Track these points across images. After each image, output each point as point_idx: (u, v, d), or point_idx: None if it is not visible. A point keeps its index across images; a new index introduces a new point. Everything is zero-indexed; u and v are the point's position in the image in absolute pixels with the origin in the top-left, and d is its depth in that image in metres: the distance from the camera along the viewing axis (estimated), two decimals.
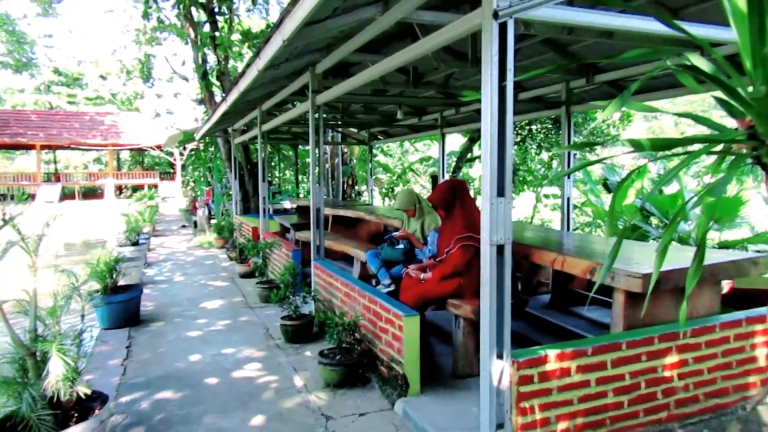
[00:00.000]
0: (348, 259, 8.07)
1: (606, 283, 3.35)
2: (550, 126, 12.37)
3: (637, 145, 1.31)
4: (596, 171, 18.06)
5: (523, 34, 4.88)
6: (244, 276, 8.38)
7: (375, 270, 5.02)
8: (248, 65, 4.78)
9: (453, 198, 4.18)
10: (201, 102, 18.26)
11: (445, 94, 8.81)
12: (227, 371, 4.50)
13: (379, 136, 13.78)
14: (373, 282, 6.67)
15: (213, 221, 16.04)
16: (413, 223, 5.11)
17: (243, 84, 5.46)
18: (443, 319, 4.94)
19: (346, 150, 18.21)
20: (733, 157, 1.24)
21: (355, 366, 4.03)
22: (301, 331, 5.10)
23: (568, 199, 7.06)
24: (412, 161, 21.96)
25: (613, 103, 1.46)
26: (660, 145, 1.41)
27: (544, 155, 16.09)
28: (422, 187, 23.09)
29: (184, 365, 4.67)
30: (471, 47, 5.52)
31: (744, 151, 1.21)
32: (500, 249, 2.66)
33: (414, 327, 3.65)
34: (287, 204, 16.33)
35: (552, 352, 2.83)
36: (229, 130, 12.73)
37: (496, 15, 2.50)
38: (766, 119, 1.10)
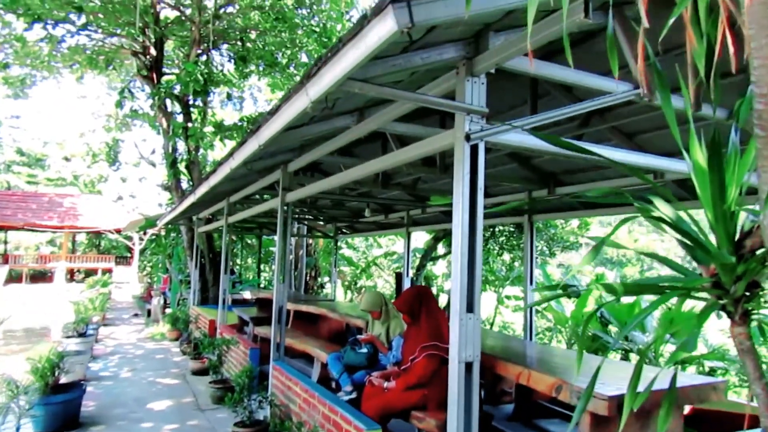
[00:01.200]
0: (309, 358, 7.80)
1: (570, 402, 3.30)
2: (512, 228, 12.73)
3: (610, 290, 1.34)
4: (556, 275, 18.44)
5: (489, 148, 5.13)
6: (197, 373, 7.95)
7: (336, 375, 4.84)
8: (220, 164, 4.83)
9: (419, 305, 4.15)
10: (167, 189, 18.21)
11: (413, 195, 9.04)
12: None
13: (344, 231, 13.87)
14: (333, 384, 6.43)
15: (168, 310, 15.46)
16: (378, 327, 5.02)
17: (213, 180, 5.49)
18: (406, 430, 4.74)
19: (310, 242, 18.21)
20: (700, 303, 1.28)
21: None
22: None
23: (531, 307, 7.11)
24: (376, 255, 22.03)
25: (586, 257, 1.51)
26: (632, 290, 1.45)
27: (506, 256, 16.43)
28: (385, 282, 23.03)
29: None
30: (440, 156, 5.75)
31: (709, 298, 1.25)
32: (468, 366, 2.61)
33: None
34: (247, 294, 15.96)
35: None
36: (194, 218, 12.62)
37: (468, 138, 2.63)
38: (729, 271, 1.15)
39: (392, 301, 4.24)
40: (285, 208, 5.79)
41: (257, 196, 8.96)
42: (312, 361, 7.42)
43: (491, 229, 14.06)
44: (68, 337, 8.99)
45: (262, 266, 21.88)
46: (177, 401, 6.59)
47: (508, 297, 17.04)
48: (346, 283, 23.04)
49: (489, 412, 4.31)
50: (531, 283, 7.08)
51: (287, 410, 4.99)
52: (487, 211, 7.00)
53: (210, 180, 5.60)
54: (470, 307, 2.64)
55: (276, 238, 5.77)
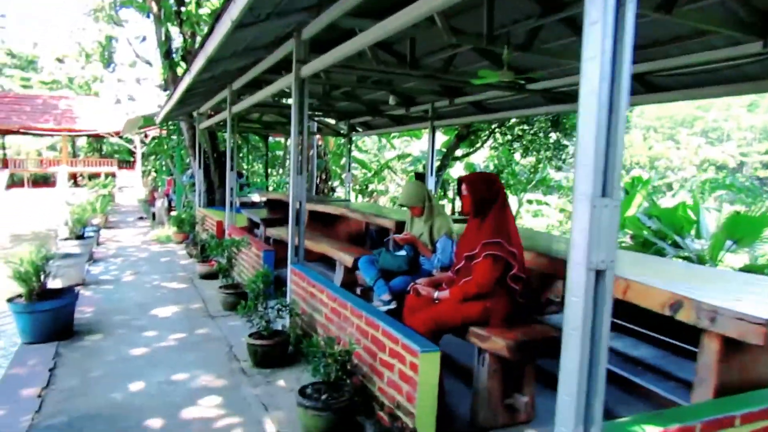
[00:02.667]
0: (326, 262, 7.11)
1: (690, 323, 2.50)
2: (541, 127, 11.60)
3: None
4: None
5: None
6: (206, 277, 7.30)
7: (371, 281, 4.06)
8: (218, 17, 3.77)
9: (495, 195, 3.26)
10: (165, 87, 16.88)
11: (441, 84, 7.93)
12: (177, 408, 3.47)
13: (358, 128, 12.81)
14: (358, 291, 5.73)
15: (173, 213, 14.80)
16: (419, 225, 4.17)
17: (211, 46, 4.43)
18: (454, 346, 4.02)
19: (320, 142, 17.20)
20: None
21: (346, 411, 3.06)
22: (273, 353, 4.11)
23: None
24: (389, 158, 21.04)
25: None
26: None
27: (526, 160, 15.43)
28: (398, 186, 22.20)
29: (121, 397, 3.62)
30: (487, 19, 4.62)
31: None
32: (599, 275, 1.75)
33: (433, 368, 2.72)
34: (256, 197, 15.22)
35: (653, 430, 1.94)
36: (194, 114, 11.56)
37: None
38: None
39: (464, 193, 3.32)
40: (300, 85, 4.77)
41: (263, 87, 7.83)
42: (330, 267, 6.73)
43: (519, 127, 12.94)
44: (65, 239, 8.30)
45: (269, 170, 21.02)
46: (184, 307, 5.95)
47: (530, 201, 16.28)
48: (357, 187, 22.26)
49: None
50: None
51: (311, 321, 4.27)
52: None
53: (207, 47, 4.54)
54: (606, 190, 1.73)
55: (292, 121, 4.81)
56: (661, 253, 6.61)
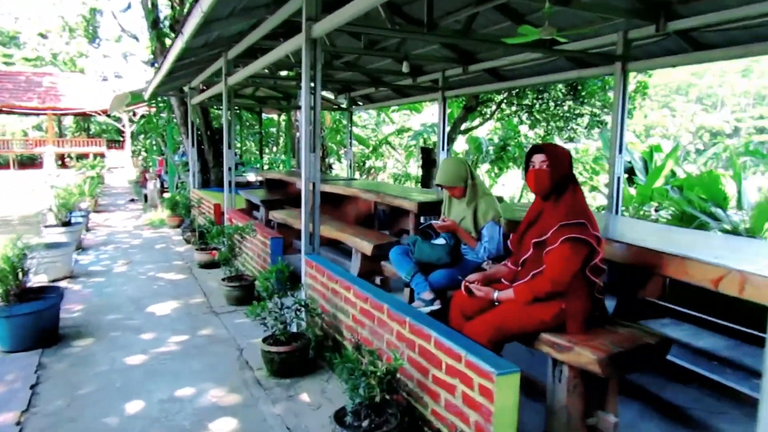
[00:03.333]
0: (335, 245, 6.53)
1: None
2: (556, 94, 10.91)
3: None
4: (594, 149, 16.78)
5: None
6: (205, 266, 6.68)
7: (407, 276, 3.47)
8: None
9: (571, 173, 2.65)
10: (153, 62, 15.95)
11: (458, 47, 7.27)
12: None
13: (359, 102, 12.09)
14: (377, 280, 5.15)
15: (166, 195, 14.11)
16: (459, 209, 3.55)
17: (206, 3, 3.74)
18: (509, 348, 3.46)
19: None
20: None
21: None
22: (292, 361, 3.53)
23: (619, 178, 5.66)
24: (387, 133, 20.31)
25: None
26: None
27: (533, 132, 14.78)
28: (397, 161, 21.53)
29: (117, 423, 3.04)
30: None
31: None
32: None
33: (512, 393, 2.14)
34: (251, 176, 14.54)
35: None
36: (185, 89, 10.81)
37: None
38: None
39: (542, 154, 2.66)
40: (312, 46, 4.10)
41: (258, 57, 7.11)
42: (342, 251, 6.15)
43: (522, 100, 12.25)
44: (50, 226, 7.65)
45: (263, 148, 20.26)
46: (184, 302, 5.35)
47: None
48: (355, 163, 21.56)
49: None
50: (620, 151, 5.58)
51: (334, 322, 3.69)
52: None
53: (202, 2, 3.84)
54: None
55: (302, 92, 4.18)
56: (704, 227, 6.05)
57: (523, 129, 15.05)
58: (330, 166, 19.44)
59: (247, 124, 19.31)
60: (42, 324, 4.13)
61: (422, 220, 5.25)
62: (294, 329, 3.72)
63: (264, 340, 3.60)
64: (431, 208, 5.15)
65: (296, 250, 6.71)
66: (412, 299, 3.65)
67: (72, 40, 36.70)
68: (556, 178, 2.60)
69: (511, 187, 17.49)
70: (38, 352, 4.04)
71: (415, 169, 21.12)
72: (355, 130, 21.08)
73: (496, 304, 2.71)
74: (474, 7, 5.55)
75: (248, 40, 6.01)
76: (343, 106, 12.04)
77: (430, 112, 18.79)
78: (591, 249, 2.50)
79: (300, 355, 3.53)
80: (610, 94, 9.92)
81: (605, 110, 10.30)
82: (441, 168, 3.52)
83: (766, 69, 41.40)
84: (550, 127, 13.03)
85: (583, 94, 9.48)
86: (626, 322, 2.72)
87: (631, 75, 10.01)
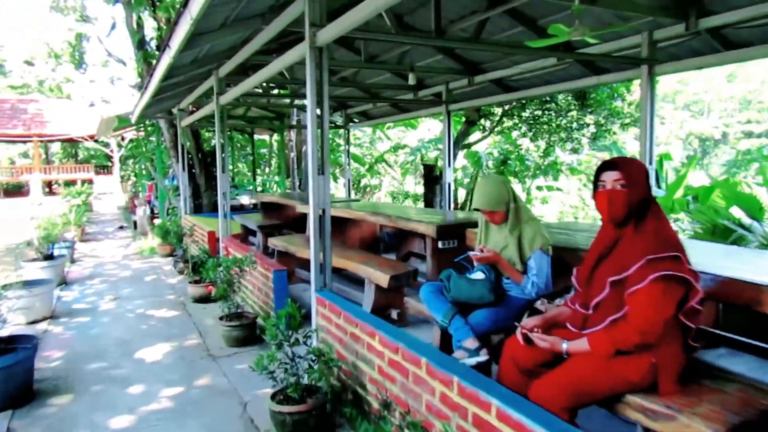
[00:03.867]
0: (338, 272, 6.00)
1: None
2: (560, 105, 10.50)
3: None
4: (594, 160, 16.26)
5: None
6: (200, 300, 6.13)
7: (443, 320, 2.93)
8: None
9: (650, 196, 2.17)
10: (141, 86, 15.47)
11: (459, 59, 6.87)
12: None
13: (355, 119, 11.64)
14: (393, 315, 4.63)
15: (157, 221, 13.55)
16: (500, 236, 3.03)
17: (196, 5, 3.26)
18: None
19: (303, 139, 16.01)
20: None
21: None
22: (308, 422, 2.98)
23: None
24: (382, 151, 19.87)
25: None
26: None
27: (532, 144, 14.39)
28: (393, 179, 21.09)
29: None
30: None
31: None
32: None
33: None
34: (244, 199, 14.03)
35: None
36: (174, 111, 10.33)
37: None
38: None
39: (616, 172, 2.16)
40: (317, 56, 3.63)
41: (250, 74, 6.64)
42: (347, 279, 5.62)
43: (522, 111, 11.86)
44: (30, 260, 7.07)
45: (256, 170, 19.73)
46: (178, 344, 4.79)
47: (539, 188, 15.26)
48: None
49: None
50: (650, 162, 5.12)
51: (355, 373, 3.15)
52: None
53: (191, 6, 3.36)
54: None
55: (308, 105, 3.69)
56: (743, 241, 5.59)
57: (524, 142, 14.67)
58: None
59: (239, 145, 18.82)
60: (12, 381, 3.56)
61: (440, 244, 4.75)
62: (306, 380, 3.18)
63: (273, 397, 3.06)
64: (451, 232, 4.66)
65: (300, 280, 6.19)
66: (444, 342, 3.13)
67: (58, 67, 36.25)
68: (634, 200, 2.11)
69: None
70: (7, 414, 3.47)
71: (412, 186, 20.71)
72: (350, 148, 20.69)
73: (565, 357, 2.20)
74: (483, 13, 5.15)
75: (241, 55, 5.56)
76: (339, 123, 11.58)
77: (426, 128, 18.41)
78: (687, 288, 2.01)
79: (317, 414, 2.99)
80: (617, 103, 9.53)
81: (611, 119, 9.90)
82: (479, 189, 3.02)
83: (751, 73, 41.66)
84: (552, 139, 12.65)
85: (590, 102, 9.10)
86: (724, 373, 2.21)
87: (636, 81, 9.69)
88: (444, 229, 4.56)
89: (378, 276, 4.37)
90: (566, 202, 15.36)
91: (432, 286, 3.08)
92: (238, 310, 4.84)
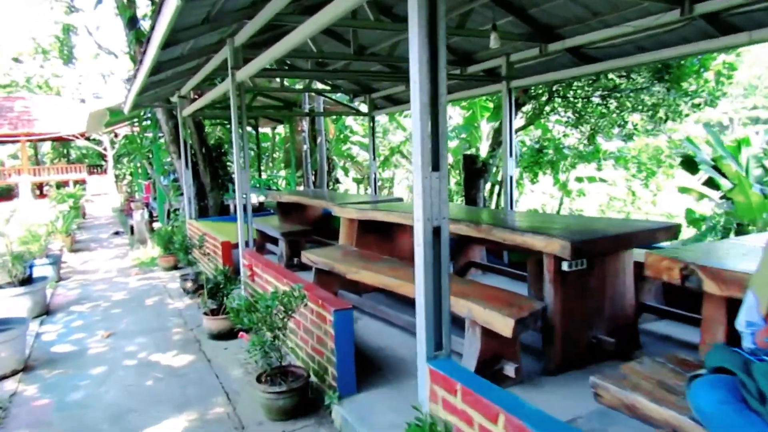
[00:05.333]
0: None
1: None
2: (629, 82, 8.97)
3: None
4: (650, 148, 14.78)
5: None
6: (219, 336, 4.71)
7: None
8: None
9: None
10: (135, 77, 13.90)
11: (528, 20, 5.47)
12: None
13: (378, 105, 10.17)
14: (509, 369, 3.22)
15: (157, 225, 12.11)
16: None
17: None
18: None
19: (317, 130, 14.59)
20: None
21: None
22: None
23: None
24: (397, 142, 18.39)
25: None
26: None
27: (574, 130, 12.95)
28: (408, 172, 19.61)
29: None
30: None
31: None
32: None
33: None
34: (252, 198, 12.58)
35: None
36: (174, 99, 8.86)
37: None
38: None
39: None
40: None
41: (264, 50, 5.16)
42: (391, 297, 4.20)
43: (577, 91, 10.40)
44: (2, 287, 5.64)
45: (260, 165, 18.24)
46: (198, 418, 3.37)
47: (579, 179, 13.82)
48: (360, 176, 19.68)
49: None
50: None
51: None
52: None
53: None
54: None
55: (414, 74, 2.24)
56: None
57: (560, 129, 13.21)
58: (337, 181, 17.55)
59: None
60: None
61: (567, 266, 3.33)
62: None
63: None
64: (588, 250, 3.25)
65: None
66: None
67: (46, 62, 34.61)
68: None
69: (538, 196, 15.53)
70: None
71: None
72: (360, 139, 19.23)
73: None
74: None
75: (266, 13, 4.11)
76: (363, 110, 10.13)
77: (450, 113, 16.92)
78: None
79: None
80: (708, 75, 8.05)
81: (683, 99, 8.41)
82: None
83: (756, 57, 40.31)
84: (601, 124, 11.17)
85: (667, 78, 7.66)
86: None
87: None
88: (582, 245, 3.14)
89: (495, 319, 2.95)
90: (611, 195, 13.83)
91: (718, 383, 1.64)
92: (283, 365, 3.41)
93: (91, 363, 4.40)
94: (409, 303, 4.40)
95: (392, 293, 4.24)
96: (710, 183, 8.93)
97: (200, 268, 7.03)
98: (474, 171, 9.16)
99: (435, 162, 2.26)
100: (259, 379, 3.30)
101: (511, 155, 6.81)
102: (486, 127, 15.01)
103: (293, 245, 6.81)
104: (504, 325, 2.89)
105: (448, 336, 2.35)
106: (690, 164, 9.61)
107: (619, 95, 8.90)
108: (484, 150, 14.79)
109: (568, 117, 11.49)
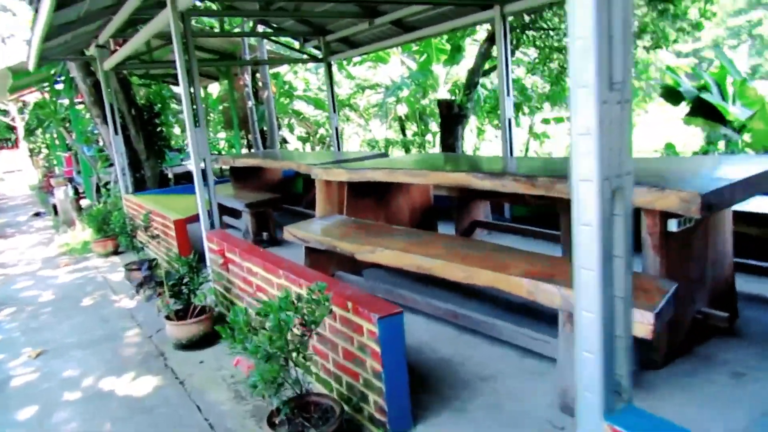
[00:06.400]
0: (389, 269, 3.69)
1: None
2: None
3: None
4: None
5: None
6: (188, 345, 3.62)
7: None
8: None
9: None
10: (36, 13, 11.73)
11: None
12: None
13: (335, 50, 8.91)
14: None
15: (84, 202, 10.53)
16: None
17: None
18: None
19: (261, 83, 13.17)
20: None
21: None
22: None
23: None
24: (348, 93, 17.05)
25: None
26: None
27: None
28: (359, 127, 18.37)
29: None
30: None
31: None
32: None
33: None
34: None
35: None
36: (91, 50, 7.32)
37: None
38: None
39: None
40: None
41: None
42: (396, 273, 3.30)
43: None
44: None
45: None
46: None
47: (545, 121, 13.10)
48: (306, 133, 18.34)
49: None
50: None
51: None
52: None
53: None
54: None
55: None
56: None
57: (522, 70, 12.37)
58: (284, 140, 16.18)
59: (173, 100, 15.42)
60: None
61: (675, 225, 2.47)
62: None
63: None
64: (720, 202, 2.38)
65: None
66: None
67: None
68: None
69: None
70: None
71: (380, 132, 18.09)
72: (306, 94, 17.76)
73: None
74: None
75: None
76: (318, 55, 8.87)
77: (398, 63, 15.71)
78: None
79: None
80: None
81: (677, 19, 7.61)
82: None
83: None
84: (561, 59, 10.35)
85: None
86: None
87: None
88: (714, 198, 2.26)
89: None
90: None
91: None
92: (304, 392, 2.39)
93: (16, 402, 3.22)
94: (431, 281, 3.49)
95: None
96: (701, 113, 8.36)
97: (149, 253, 5.79)
98: (451, 117, 8.19)
99: (610, 78, 1.26)
100: (271, 422, 2.28)
101: (508, 94, 5.88)
102: (442, 72, 13.99)
103: (260, 218, 5.70)
104: (640, 323, 2.00)
105: (629, 371, 1.42)
106: (672, 95, 9.05)
107: None
108: (442, 96, 13.82)
109: (531, 57, 10.66)
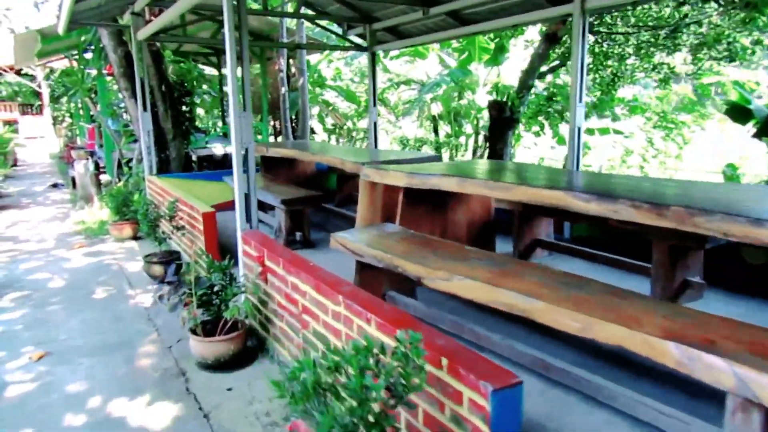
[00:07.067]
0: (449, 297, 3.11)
1: None
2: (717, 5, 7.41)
3: None
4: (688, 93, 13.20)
5: None
6: (218, 366, 3.09)
7: None
8: None
9: None
10: None
11: None
12: None
13: (381, 39, 8.32)
14: None
15: (104, 177, 10.10)
16: None
17: None
18: None
19: (294, 72, 12.65)
20: None
21: None
22: None
23: None
24: (382, 87, 16.44)
25: None
26: None
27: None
28: (389, 123, 17.77)
29: None
30: None
31: None
32: None
33: None
34: (218, 148, 10.68)
35: None
36: (125, 18, 6.83)
37: None
38: None
39: None
40: None
41: None
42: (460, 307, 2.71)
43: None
44: None
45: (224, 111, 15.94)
46: None
47: (590, 131, 12.39)
48: (333, 125, 17.73)
49: None
50: None
51: None
52: None
53: None
54: None
55: None
56: None
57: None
58: (312, 131, 15.63)
59: (204, 77, 14.86)
60: None
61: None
62: None
63: None
64: None
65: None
66: None
67: None
68: None
69: (542, 149, 13.97)
70: None
71: (411, 130, 17.48)
72: (339, 84, 17.21)
73: None
74: None
75: None
76: (362, 44, 8.29)
77: (435, 59, 15.08)
78: None
79: None
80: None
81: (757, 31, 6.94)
82: None
83: None
84: (626, 67, 9.69)
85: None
86: None
87: None
88: None
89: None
90: (628, 148, 12.30)
91: None
92: None
93: (7, 422, 2.71)
94: (501, 312, 2.93)
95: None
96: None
97: (170, 245, 5.28)
98: (502, 120, 7.58)
99: None
100: None
101: (580, 101, 5.27)
102: (483, 72, 13.36)
103: (295, 216, 5.16)
104: None
105: None
106: (740, 113, 8.34)
107: (681, 26, 7.36)
108: (480, 99, 13.19)
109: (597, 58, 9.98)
